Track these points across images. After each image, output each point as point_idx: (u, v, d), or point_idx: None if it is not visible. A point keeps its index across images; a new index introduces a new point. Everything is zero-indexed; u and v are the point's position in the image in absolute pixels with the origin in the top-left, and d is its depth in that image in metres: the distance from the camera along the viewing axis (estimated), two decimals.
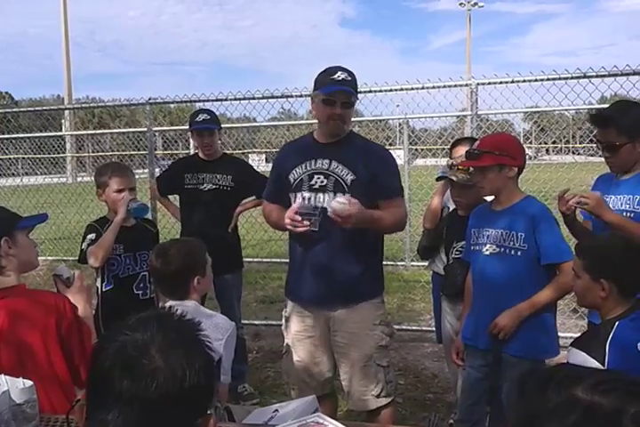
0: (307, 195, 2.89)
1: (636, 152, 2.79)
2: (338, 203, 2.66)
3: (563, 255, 2.65)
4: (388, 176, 2.94)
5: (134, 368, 1.07)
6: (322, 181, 2.87)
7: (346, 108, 2.88)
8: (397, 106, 7.24)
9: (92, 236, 3.39)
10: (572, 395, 0.94)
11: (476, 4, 48.59)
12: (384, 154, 3.07)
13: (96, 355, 1.12)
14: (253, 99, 5.76)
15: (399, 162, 6.29)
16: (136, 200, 3.49)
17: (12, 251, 2.13)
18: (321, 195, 2.87)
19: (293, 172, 2.95)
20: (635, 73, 4.58)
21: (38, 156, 12.28)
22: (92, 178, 3.98)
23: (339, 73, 2.84)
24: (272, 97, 5.69)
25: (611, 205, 2.76)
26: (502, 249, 2.77)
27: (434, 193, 3.81)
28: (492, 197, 2.94)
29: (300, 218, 2.78)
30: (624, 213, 2.75)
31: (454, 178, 3.25)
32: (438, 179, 3.61)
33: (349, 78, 2.86)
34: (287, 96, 5.61)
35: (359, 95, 5.61)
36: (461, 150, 3.37)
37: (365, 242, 2.92)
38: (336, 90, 2.83)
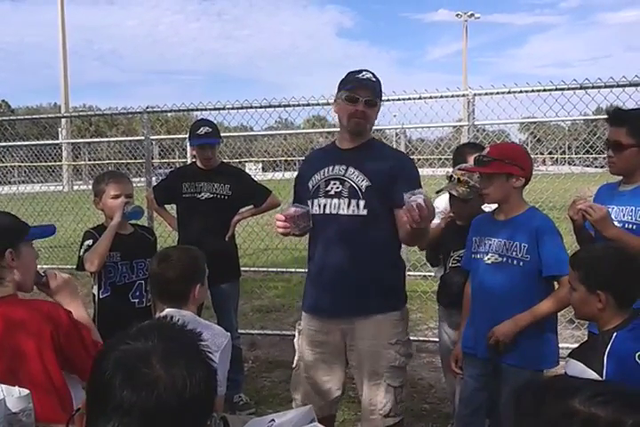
0: (322, 202, 2.85)
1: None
2: (422, 199, 2.41)
3: (564, 268, 2.63)
4: (407, 183, 2.76)
5: (135, 378, 1.06)
6: (337, 187, 2.83)
7: (370, 106, 2.82)
8: (394, 116, 7.26)
9: (89, 242, 3.38)
10: (569, 407, 0.94)
11: (472, 15, 48.96)
12: (405, 160, 3.00)
13: (96, 364, 1.12)
14: (251, 108, 5.77)
15: None
16: (131, 203, 3.49)
17: (15, 263, 2.13)
18: (336, 201, 2.82)
19: (312, 178, 2.92)
20: (631, 84, 4.60)
21: (35, 164, 12.27)
22: (89, 186, 3.99)
23: (364, 73, 2.84)
24: (269, 106, 5.69)
25: (613, 216, 2.76)
26: (504, 259, 2.76)
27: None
28: (494, 207, 2.94)
29: (283, 218, 2.79)
30: (625, 225, 2.75)
31: (454, 193, 3.23)
32: (438, 192, 3.61)
33: (374, 79, 2.85)
34: (285, 106, 5.62)
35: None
36: (472, 159, 3.32)
37: (382, 251, 2.86)
38: (360, 84, 2.80)
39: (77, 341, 2.12)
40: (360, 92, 2.80)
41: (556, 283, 2.75)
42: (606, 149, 2.88)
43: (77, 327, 2.15)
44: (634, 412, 0.91)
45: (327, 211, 2.83)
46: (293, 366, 3.05)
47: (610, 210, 2.79)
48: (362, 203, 2.77)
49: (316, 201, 2.88)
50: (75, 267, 3.53)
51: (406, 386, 4.56)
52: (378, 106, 2.89)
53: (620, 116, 2.85)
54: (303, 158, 3.43)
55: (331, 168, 2.88)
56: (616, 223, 2.75)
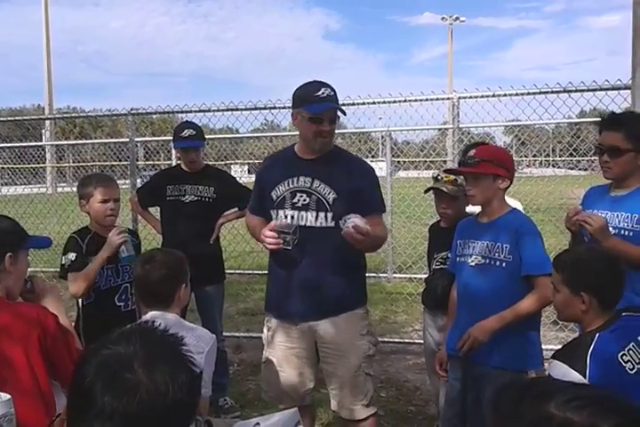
0: (290, 213, 2.90)
1: (635, 164, 2.79)
2: (361, 220, 2.65)
3: (541, 268, 2.66)
4: (370, 192, 2.96)
5: (116, 383, 1.05)
6: (304, 200, 2.89)
7: (333, 122, 2.89)
8: (380, 118, 7.28)
9: (72, 256, 3.30)
10: (545, 411, 0.94)
11: (458, 18, 49.24)
12: (366, 169, 3.07)
13: (78, 369, 1.11)
14: (236, 110, 5.78)
15: (382, 174, 6.33)
16: (128, 244, 3.34)
17: (12, 268, 2.14)
18: (304, 213, 2.88)
19: (276, 189, 2.95)
20: (613, 88, 4.65)
21: (18, 166, 12.14)
22: (73, 188, 3.94)
23: (322, 89, 2.83)
24: (255, 108, 5.70)
25: (607, 222, 2.74)
26: (488, 260, 2.78)
27: None
28: (479, 210, 2.96)
29: (275, 235, 2.81)
30: (621, 231, 2.76)
31: (444, 189, 3.27)
32: (427, 190, 3.65)
33: (332, 93, 2.87)
34: (270, 108, 5.63)
35: (342, 107, 5.70)
36: None
37: (348, 257, 2.93)
38: (327, 107, 2.83)
39: (63, 346, 2.11)
40: (324, 114, 2.83)
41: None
42: (599, 153, 2.85)
43: (64, 332, 2.16)
44: (609, 417, 0.91)
45: (295, 222, 2.88)
46: (263, 360, 3.12)
47: (602, 214, 2.79)
48: (329, 215, 2.85)
49: (281, 212, 2.93)
50: (57, 272, 3.48)
51: (391, 388, 4.62)
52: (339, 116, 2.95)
53: (616, 121, 2.85)
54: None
55: (295, 179, 2.92)
56: (611, 229, 2.75)
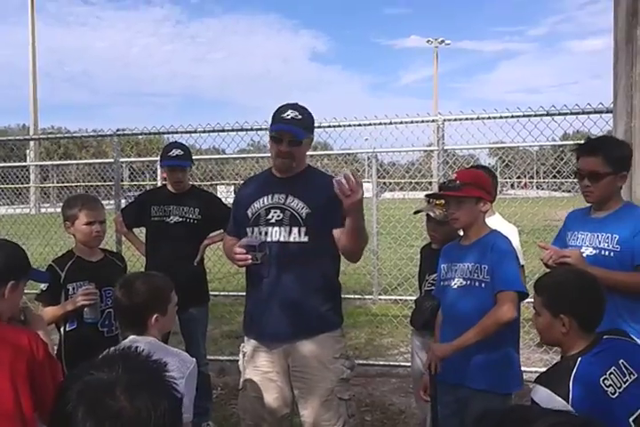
0: (264, 229, 2.91)
1: (616, 187, 2.86)
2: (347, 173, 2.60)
3: (508, 284, 2.71)
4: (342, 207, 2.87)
5: (98, 409, 1.04)
6: (278, 216, 2.91)
7: (293, 145, 2.92)
8: (366, 139, 7.32)
9: (43, 286, 3.23)
10: None
11: (443, 41, 50.08)
12: None
13: (59, 395, 1.09)
14: (222, 131, 5.78)
15: (368, 195, 6.35)
16: (93, 308, 3.22)
17: (9, 296, 2.13)
18: (277, 228, 2.89)
19: (252, 206, 2.99)
20: (595, 111, 4.71)
21: (1, 186, 12.06)
22: (57, 209, 3.89)
23: (289, 111, 2.91)
24: (241, 129, 5.71)
25: (587, 243, 2.83)
26: (469, 282, 2.82)
27: None
28: (462, 232, 2.99)
29: (243, 251, 2.82)
30: (602, 252, 2.80)
31: (432, 214, 3.35)
32: (416, 212, 3.71)
33: (299, 117, 2.91)
34: (257, 129, 5.64)
35: (329, 129, 5.76)
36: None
37: (323, 273, 2.93)
38: (282, 129, 2.90)
39: (49, 375, 2.09)
40: (284, 134, 2.90)
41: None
42: (579, 178, 2.91)
43: (52, 362, 2.14)
44: None
45: (268, 238, 2.89)
46: (239, 387, 3.09)
47: (582, 236, 2.87)
48: (302, 230, 2.87)
49: (256, 229, 2.94)
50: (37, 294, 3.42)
51: (377, 411, 4.57)
52: (305, 141, 2.97)
53: (593, 146, 2.90)
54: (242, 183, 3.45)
55: (270, 197, 2.96)
56: (591, 249, 2.82)
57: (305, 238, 2.86)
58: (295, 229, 2.87)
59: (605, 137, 3.23)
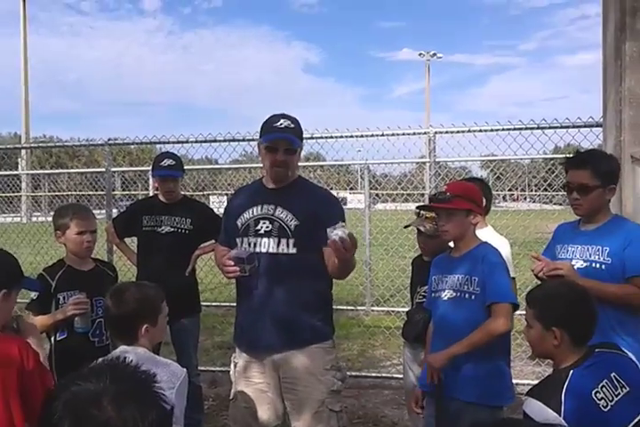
0: (252, 240, 2.91)
1: (604, 200, 2.88)
2: (343, 232, 2.58)
3: (500, 296, 2.71)
4: (335, 220, 2.75)
5: (84, 420, 1.03)
6: (267, 227, 2.91)
7: (289, 154, 2.93)
8: (359, 151, 7.34)
9: (33, 295, 3.23)
10: None
11: (435, 54, 50.43)
12: (331, 198, 3.11)
13: (46, 405, 1.08)
14: (215, 141, 5.77)
15: (360, 206, 6.37)
16: (84, 317, 3.21)
17: (2, 305, 2.12)
18: (266, 240, 2.89)
19: (241, 217, 2.99)
20: (585, 125, 4.75)
21: None
22: (48, 218, 3.87)
23: (281, 121, 2.92)
24: (234, 140, 5.71)
25: (578, 256, 2.84)
26: (459, 294, 2.82)
27: None
28: (452, 245, 2.99)
29: (232, 263, 2.82)
30: (592, 264, 2.81)
31: (421, 228, 3.37)
32: (406, 226, 3.71)
33: (292, 126, 2.93)
34: (249, 140, 5.64)
35: (321, 140, 5.78)
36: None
37: (312, 286, 2.92)
38: (278, 137, 2.90)
39: (39, 385, 2.07)
40: (279, 143, 2.90)
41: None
42: (568, 192, 2.93)
43: (43, 370, 2.13)
44: None
45: (257, 249, 2.89)
46: (230, 397, 3.07)
47: (573, 249, 2.88)
48: (291, 241, 2.87)
49: (245, 239, 2.95)
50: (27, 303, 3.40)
51: (369, 423, 4.55)
52: (298, 151, 3.00)
53: (581, 160, 2.92)
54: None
55: (259, 207, 2.96)
56: (582, 262, 2.82)
57: (293, 250, 2.86)
58: (284, 241, 2.87)
59: (593, 150, 3.26)
